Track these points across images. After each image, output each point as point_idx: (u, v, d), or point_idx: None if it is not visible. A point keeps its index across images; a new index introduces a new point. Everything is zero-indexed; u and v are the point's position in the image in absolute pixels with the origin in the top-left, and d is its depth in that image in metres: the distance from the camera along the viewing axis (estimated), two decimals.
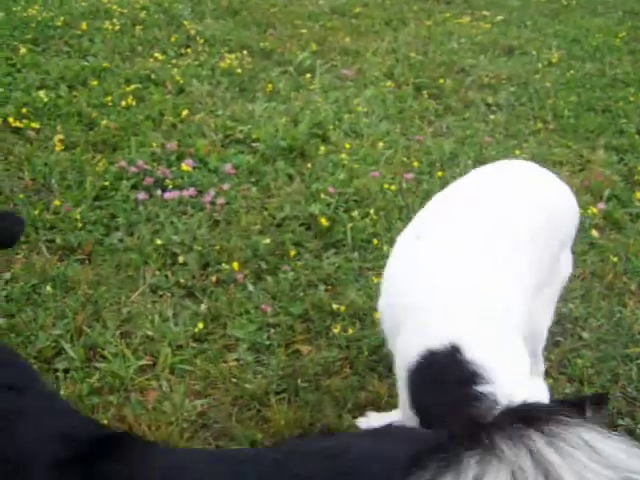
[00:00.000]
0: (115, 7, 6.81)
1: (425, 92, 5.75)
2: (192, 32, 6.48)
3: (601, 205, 4.29)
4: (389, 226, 3.91)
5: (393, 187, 4.25)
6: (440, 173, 4.47)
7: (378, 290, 2.52)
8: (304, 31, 6.87)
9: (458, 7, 8.13)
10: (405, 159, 4.65)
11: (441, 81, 5.96)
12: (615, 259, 3.82)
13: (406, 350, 2.28)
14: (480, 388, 2.12)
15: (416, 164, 4.56)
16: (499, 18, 7.72)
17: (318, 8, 7.70)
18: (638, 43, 7.31)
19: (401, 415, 2.55)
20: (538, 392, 2.17)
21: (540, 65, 6.51)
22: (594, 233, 4.05)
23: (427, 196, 3.39)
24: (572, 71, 6.39)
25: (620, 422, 2.95)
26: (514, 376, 2.18)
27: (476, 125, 5.26)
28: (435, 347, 2.19)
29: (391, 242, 2.93)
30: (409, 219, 2.64)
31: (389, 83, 5.83)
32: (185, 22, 6.70)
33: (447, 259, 2.36)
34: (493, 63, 6.48)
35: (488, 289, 2.32)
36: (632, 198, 4.46)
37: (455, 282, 2.29)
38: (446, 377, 2.19)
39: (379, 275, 3.02)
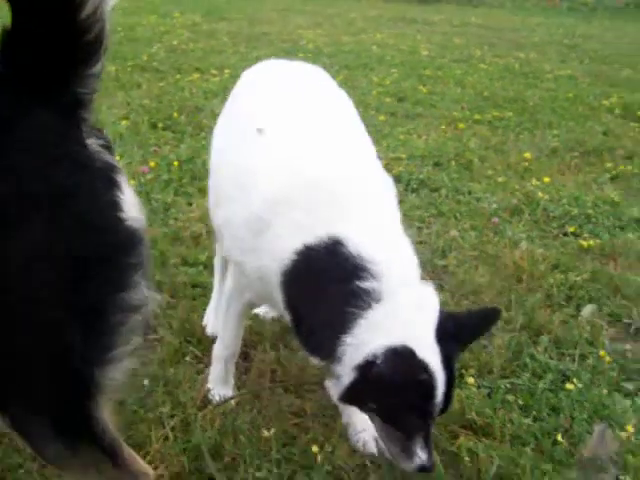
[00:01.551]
0: None
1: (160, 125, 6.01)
2: None
3: None
4: None
5: None
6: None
7: None
8: None
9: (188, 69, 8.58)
10: None
11: (175, 115, 6.26)
12: None
13: (279, 251, 2.21)
14: (363, 284, 2.10)
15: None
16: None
17: None
18: None
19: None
20: (429, 298, 2.17)
21: None
22: None
23: None
24: None
25: None
26: (402, 274, 2.17)
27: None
28: (314, 243, 2.15)
29: None
30: None
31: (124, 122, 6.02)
32: None
33: (308, 151, 2.33)
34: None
35: (362, 179, 2.33)
36: None
37: (327, 174, 2.26)
38: (327, 273, 2.15)
39: None
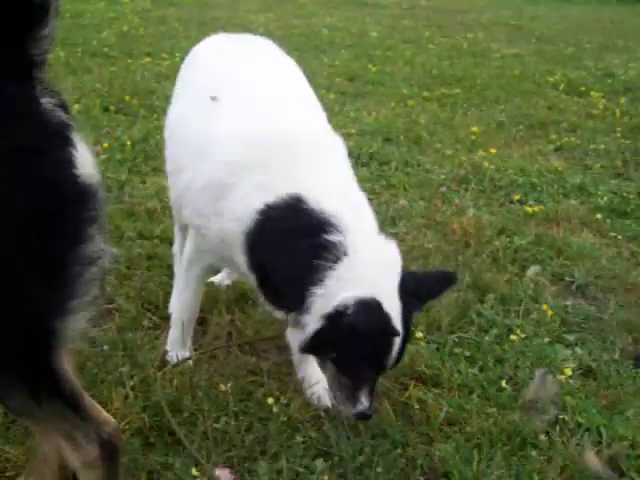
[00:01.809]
0: None
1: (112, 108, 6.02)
2: None
3: None
4: None
5: None
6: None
7: None
8: None
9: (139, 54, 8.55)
10: None
11: (127, 98, 6.27)
12: None
13: (240, 213, 2.28)
14: (329, 237, 2.19)
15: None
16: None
17: None
18: None
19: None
20: (392, 253, 2.27)
21: None
22: None
23: None
24: None
25: None
26: (365, 229, 2.27)
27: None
28: (276, 202, 2.23)
29: None
30: None
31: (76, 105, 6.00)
32: None
33: (264, 115, 2.41)
34: None
35: (316, 139, 2.42)
36: None
37: (284, 135, 2.34)
38: (292, 229, 2.22)
39: None
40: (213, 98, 2.49)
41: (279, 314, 2.41)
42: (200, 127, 2.49)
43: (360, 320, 2.10)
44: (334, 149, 2.46)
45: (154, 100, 6.37)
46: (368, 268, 2.18)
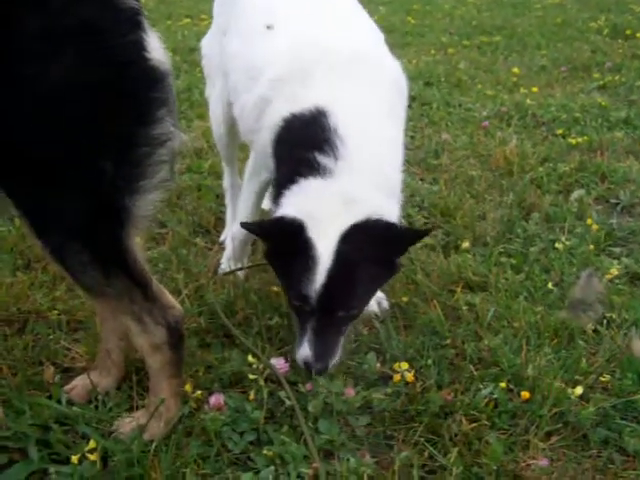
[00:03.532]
0: None
1: None
2: None
3: None
4: None
5: None
6: None
7: None
8: None
9: (179, 16, 8.65)
10: None
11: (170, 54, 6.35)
12: None
13: (272, 122, 2.32)
14: (320, 157, 2.17)
15: None
16: None
17: None
18: None
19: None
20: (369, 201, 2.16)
21: None
22: None
23: None
24: None
25: None
26: (370, 173, 2.19)
27: None
28: (301, 112, 2.25)
29: None
30: None
31: None
32: None
33: (311, 34, 2.43)
34: None
35: (361, 60, 2.36)
36: None
37: (324, 53, 2.34)
38: (300, 139, 2.24)
39: None
40: (269, 27, 2.51)
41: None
42: (254, 55, 2.53)
43: (270, 229, 2.18)
44: (378, 74, 2.40)
45: (195, 56, 6.44)
46: (329, 196, 2.13)
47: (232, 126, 2.94)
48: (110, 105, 1.66)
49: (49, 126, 1.61)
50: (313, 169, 2.16)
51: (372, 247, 2.12)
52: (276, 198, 2.28)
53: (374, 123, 2.29)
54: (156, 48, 1.73)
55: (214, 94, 3.01)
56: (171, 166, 1.82)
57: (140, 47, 1.69)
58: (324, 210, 2.12)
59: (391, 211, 2.21)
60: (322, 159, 2.16)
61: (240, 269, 2.76)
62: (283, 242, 2.15)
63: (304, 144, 2.21)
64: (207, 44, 3.03)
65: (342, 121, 2.20)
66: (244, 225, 2.28)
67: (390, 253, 2.21)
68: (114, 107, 1.67)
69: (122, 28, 1.66)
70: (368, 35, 2.56)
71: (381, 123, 2.31)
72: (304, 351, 2.13)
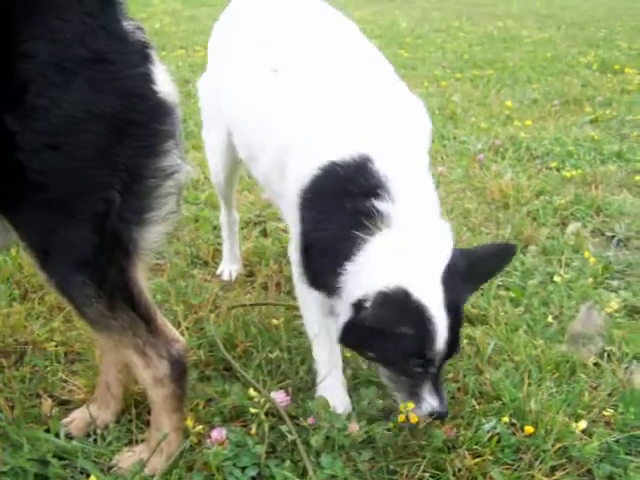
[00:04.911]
0: None
1: None
2: None
3: None
4: None
5: None
6: None
7: None
8: None
9: (173, 48, 8.71)
10: None
11: None
12: None
13: (304, 168, 2.08)
14: (377, 203, 1.96)
15: None
16: None
17: None
18: None
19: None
20: (441, 234, 2.03)
21: None
22: None
23: None
24: None
25: None
26: (420, 204, 2.02)
27: None
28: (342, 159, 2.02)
29: None
30: None
31: None
32: None
33: (328, 83, 2.21)
34: None
35: (390, 102, 2.20)
36: None
37: (355, 98, 2.15)
38: (345, 188, 2.00)
39: None
40: (276, 70, 2.31)
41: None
42: (265, 104, 2.32)
43: (377, 314, 1.90)
44: (407, 113, 2.22)
45: (190, 87, 6.48)
46: (406, 246, 1.95)
47: (231, 173, 2.93)
48: (119, 136, 1.66)
49: (58, 156, 1.61)
50: (374, 219, 1.97)
51: (467, 282, 2.04)
52: (329, 272, 2.03)
53: (412, 161, 2.12)
54: (164, 81, 1.74)
55: (211, 141, 2.90)
56: (178, 198, 1.82)
57: (149, 80, 1.69)
58: (415, 264, 1.95)
59: (449, 235, 2.07)
60: (380, 206, 1.97)
61: (242, 305, 2.76)
62: (394, 316, 1.92)
63: (358, 192, 2.00)
64: (204, 86, 2.88)
65: (386, 165, 2.02)
66: (352, 330, 1.95)
67: (480, 282, 2.20)
68: (122, 138, 1.67)
69: (132, 60, 1.67)
70: (388, 72, 2.35)
71: (417, 159, 2.15)
72: (430, 403, 2.01)
